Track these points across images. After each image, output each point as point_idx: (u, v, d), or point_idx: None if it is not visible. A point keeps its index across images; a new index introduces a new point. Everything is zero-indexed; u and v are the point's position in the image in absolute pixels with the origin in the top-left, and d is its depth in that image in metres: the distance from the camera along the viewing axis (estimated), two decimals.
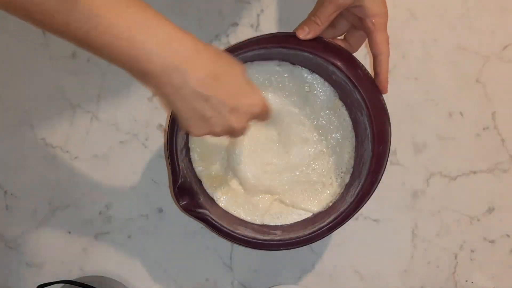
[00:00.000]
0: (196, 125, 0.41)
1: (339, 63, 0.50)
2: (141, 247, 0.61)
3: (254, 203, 0.56)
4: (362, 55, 0.60)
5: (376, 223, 0.62)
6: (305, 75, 0.55)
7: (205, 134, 0.43)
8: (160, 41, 0.37)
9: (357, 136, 0.55)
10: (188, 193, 0.52)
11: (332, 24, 0.50)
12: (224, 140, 0.56)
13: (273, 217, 0.56)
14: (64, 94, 0.62)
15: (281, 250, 0.52)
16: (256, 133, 0.56)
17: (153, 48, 0.37)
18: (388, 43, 0.49)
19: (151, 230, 0.61)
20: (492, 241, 0.62)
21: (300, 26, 0.49)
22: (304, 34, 0.49)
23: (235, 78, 0.42)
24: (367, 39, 0.50)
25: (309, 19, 0.49)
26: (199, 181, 0.56)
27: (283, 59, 0.54)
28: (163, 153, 0.62)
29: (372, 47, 0.49)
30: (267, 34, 0.51)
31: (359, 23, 0.49)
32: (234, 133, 0.44)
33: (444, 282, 0.62)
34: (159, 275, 0.61)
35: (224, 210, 0.56)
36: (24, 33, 0.61)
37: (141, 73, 0.38)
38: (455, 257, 0.62)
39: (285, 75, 0.55)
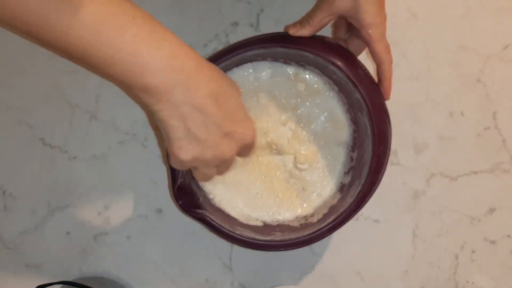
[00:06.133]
0: (186, 147, 0.39)
1: (339, 63, 0.50)
2: (140, 247, 0.61)
3: (255, 202, 0.56)
4: (363, 55, 0.60)
5: (376, 224, 0.61)
6: (306, 76, 0.55)
7: (192, 160, 0.40)
8: (166, 55, 0.36)
9: (357, 136, 0.55)
10: (187, 194, 0.52)
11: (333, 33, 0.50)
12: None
13: (273, 214, 0.56)
14: (63, 94, 0.62)
15: (281, 250, 0.52)
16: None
17: (158, 63, 0.35)
18: (388, 51, 0.49)
19: (150, 230, 0.61)
20: (493, 242, 0.61)
21: (293, 23, 0.49)
22: (295, 31, 0.49)
23: (233, 101, 0.41)
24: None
25: (303, 18, 0.49)
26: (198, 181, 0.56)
27: (284, 59, 0.54)
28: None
29: (372, 56, 0.49)
30: (267, 34, 0.50)
31: (357, 33, 0.49)
32: (223, 163, 0.42)
33: (444, 283, 0.61)
34: (158, 275, 0.61)
35: (223, 210, 0.56)
36: None
37: (141, 88, 0.36)
38: (456, 258, 0.61)
39: (280, 74, 0.55)
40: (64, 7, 0.32)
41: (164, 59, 0.36)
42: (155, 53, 0.35)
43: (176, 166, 0.41)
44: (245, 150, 0.43)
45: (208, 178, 0.44)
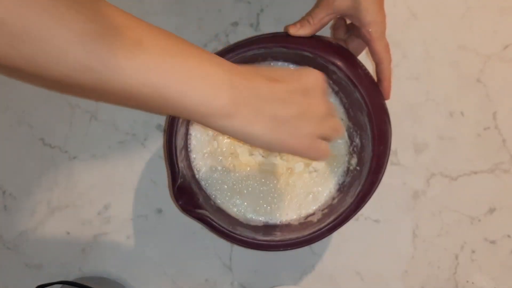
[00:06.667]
0: (287, 135, 0.38)
1: (339, 63, 0.50)
2: (140, 247, 0.61)
3: (255, 202, 0.56)
4: (363, 55, 0.60)
5: (376, 224, 0.61)
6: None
7: (308, 135, 0.39)
8: (226, 72, 0.36)
9: (357, 136, 0.55)
10: (187, 194, 0.51)
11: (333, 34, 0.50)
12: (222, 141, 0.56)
13: (273, 214, 0.56)
14: (63, 94, 0.62)
15: (281, 250, 0.52)
16: None
17: (221, 84, 0.35)
18: (388, 50, 0.49)
19: (150, 230, 0.61)
20: (493, 242, 0.61)
21: (293, 23, 0.49)
22: (295, 30, 0.49)
23: (314, 90, 0.40)
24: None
25: (303, 18, 0.49)
26: (198, 182, 0.56)
27: (284, 59, 0.54)
28: (162, 153, 0.61)
29: (372, 55, 0.49)
30: (267, 34, 0.50)
31: (357, 32, 0.49)
32: (328, 119, 0.41)
33: (444, 283, 0.61)
34: (158, 275, 0.61)
35: (223, 210, 0.56)
36: None
37: (211, 112, 0.35)
38: (456, 258, 0.61)
39: None
40: (110, 49, 0.31)
41: (223, 83, 0.35)
42: (222, 75, 0.35)
43: (319, 155, 0.40)
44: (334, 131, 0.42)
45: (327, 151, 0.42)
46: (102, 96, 0.32)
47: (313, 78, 0.40)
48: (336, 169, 0.57)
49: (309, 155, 0.39)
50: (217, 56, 0.37)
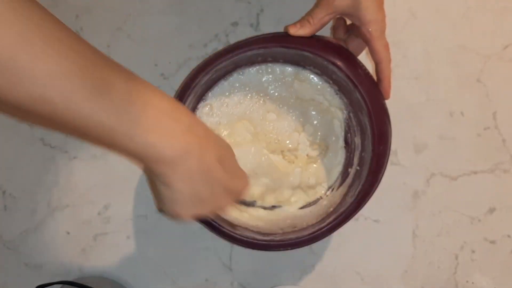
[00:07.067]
0: (188, 207, 0.41)
1: (339, 63, 0.49)
2: (140, 247, 0.61)
3: (255, 202, 0.56)
4: (363, 54, 0.60)
5: (376, 224, 0.61)
6: (306, 76, 0.55)
7: (191, 216, 0.42)
8: (184, 128, 0.37)
9: (357, 136, 0.55)
10: None
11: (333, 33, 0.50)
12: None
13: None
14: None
15: (281, 250, 0.52)
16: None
17: (178, 136, 0.37)
18: (387, 49, 0.49)
19: (150, 230, 0.61)
20: (493, 242, 0.61)
21: (293, 23, 0.49)
22: (295, 30, 0.49)
23: (232, 161, 0.44)
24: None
25: (302, 18, 0.49)
26: None
27: (284, 59, 0.54)
28: None
29: (372, 55, 0.49)
30: (267, 34, 0.50)
31: (356, 31, 0.49)
32: (219, 211, 0.46)
33: (444, 283, 0.61)
34: (158, 275, 0.61)
35: None
36: None
37: (155, 159, 0.37)
38: (456, 258, 0.61)
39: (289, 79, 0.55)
40: (94, 93, 0.32)
41: (182, 132, 0.37)
42: (176, 128, 0.37)
43: (172, 219, 0.45)
44: (241, 197, 0.47)
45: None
46: (54, 126, 0.34)
47: (245, 187, 0.45)
48: (336, 170, 0.57)
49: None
50: (179, 106, 0.38)
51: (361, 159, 0.54)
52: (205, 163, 0.39)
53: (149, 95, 0.36)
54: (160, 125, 0.36)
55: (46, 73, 0.30)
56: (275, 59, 0.54)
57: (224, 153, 0.42)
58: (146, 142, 0.35)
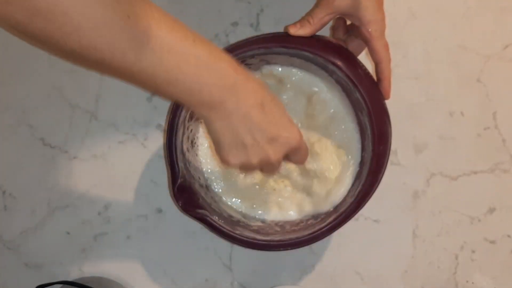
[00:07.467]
0: (234, 153, 0.42)
1: (339, 63, 0.50)
2: (140, 247, 0.61)
3: (255, 202, 0.56)
4: (363, 54, 0.60)
5: (376, 224, 0.61)
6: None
7: (241, 164, 0.43)
8: (221, 74, 0.39)
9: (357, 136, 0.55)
10: (187, 194, 0.51)
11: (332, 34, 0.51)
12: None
13: (274, 212, 0.56)
14: (63, 94, 0.62)
15: (281, 250, 0.52)
16: None
17: (215, 81, 0.38)
18: (387, 49, 0.49)
19: (150, 230, 0.61)
20: (493, 242, 0.61)
21: (293, 23, 0.49)
22: (295, 30, 0.49)
23: (277, 109, 0.43)
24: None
25: (303, 18, 0.49)
26: (199, 181, 0.56)
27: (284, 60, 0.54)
28: (162, 153, 0.61)
29: (372, 55, 0.49)
30: (267, 34, 0.50)
31: (356, 31, 0.49)
32: (269, 165, 0.44)
33: (444, 283, 0.61)
34: (158, 276, 0.61)
35: (223, 210, 0.56)
36: None
37: (197, 104, 0.39)
38: (456, 258, 0.61)
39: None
40: (137, 37, 0.34)
41: (219, 78, 0.39)
42: (213, 74, 0.38)
43: (225, 167, 0.50)
44: (294, 154, 0.45)
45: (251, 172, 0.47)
46: (104, 71, 0.36)
47: (293, 137, 0.44)
48: (336, 170, 0.57)
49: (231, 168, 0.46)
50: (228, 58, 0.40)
51: (361, 159, 0.54)
52: (244, 106, 0.40)
53: (188, 47, 0.37)
54: (198, 72, 0.37)
55: (93, 23, 0.32)
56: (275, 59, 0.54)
57: (269, 99, 0.42)
58: (186, 88, 0.37)
